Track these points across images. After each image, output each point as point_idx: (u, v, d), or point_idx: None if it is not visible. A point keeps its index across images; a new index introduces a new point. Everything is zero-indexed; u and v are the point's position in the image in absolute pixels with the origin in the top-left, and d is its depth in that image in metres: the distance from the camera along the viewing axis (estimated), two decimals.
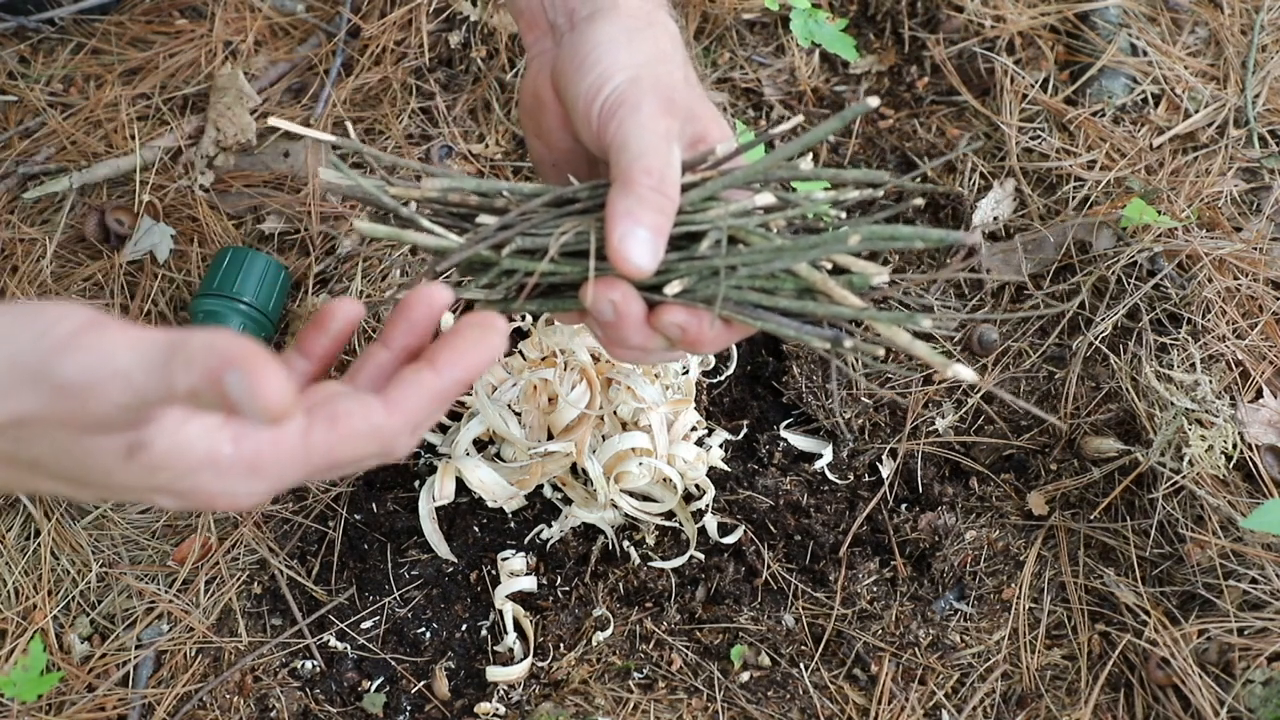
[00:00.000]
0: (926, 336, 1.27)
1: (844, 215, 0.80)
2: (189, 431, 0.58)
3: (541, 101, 0.86)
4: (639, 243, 0.73)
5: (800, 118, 0.86)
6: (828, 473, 1.24)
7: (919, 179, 1.41)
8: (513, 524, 1.23)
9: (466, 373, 0.64)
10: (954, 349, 1.30)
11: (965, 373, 0.71)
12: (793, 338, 0.77)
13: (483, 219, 0.78)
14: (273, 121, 0.80)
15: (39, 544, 1.18)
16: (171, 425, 0.58)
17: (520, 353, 1.24)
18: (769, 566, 1.18)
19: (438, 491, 1.16)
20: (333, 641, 1.17)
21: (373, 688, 1.15)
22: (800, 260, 0.75)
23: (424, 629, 1.18)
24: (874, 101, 0.77)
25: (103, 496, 0.66)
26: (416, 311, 0.68)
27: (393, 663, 1.16)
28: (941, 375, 0.77)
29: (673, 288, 0.75)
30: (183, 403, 0.55)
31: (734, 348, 1.30)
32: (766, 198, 0.77)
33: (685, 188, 0.77)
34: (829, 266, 0.77)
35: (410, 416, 0.63)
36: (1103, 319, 1.26)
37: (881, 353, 0.76)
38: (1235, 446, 1.16)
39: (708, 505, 1.20)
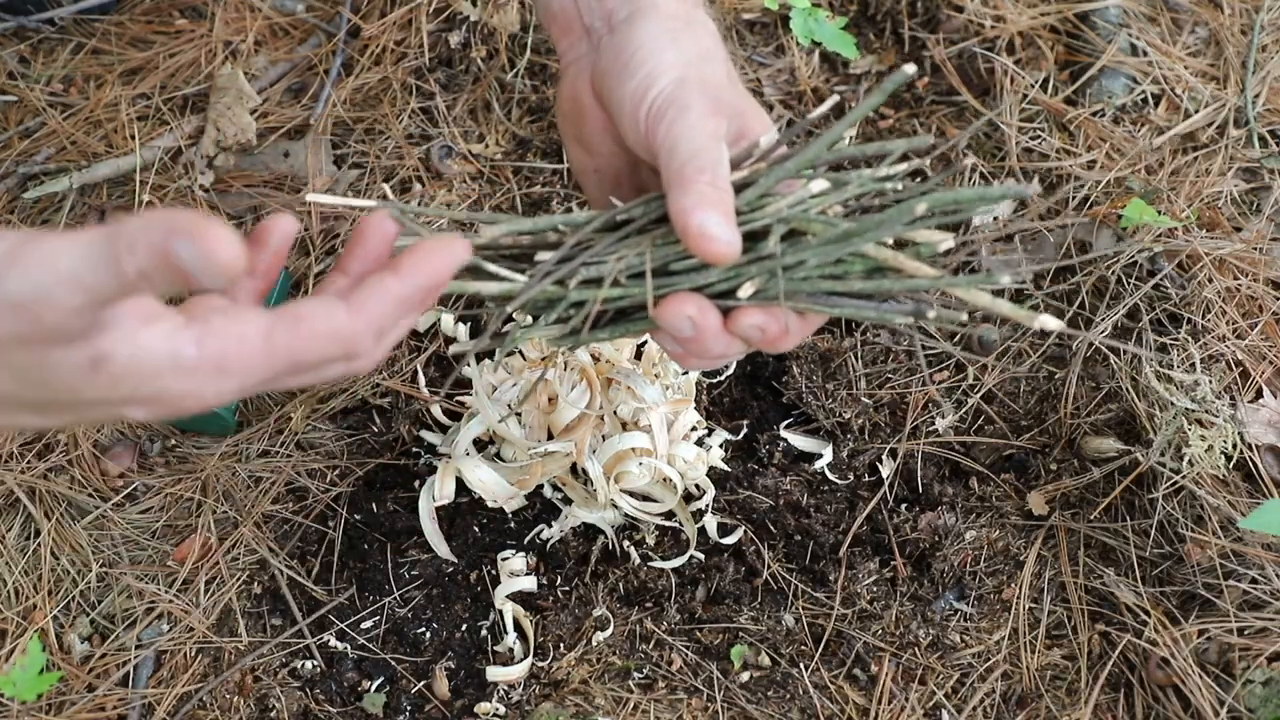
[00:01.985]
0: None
1: (900, 187, 0.79)
2: (150, 336, 0.58)
3: (581, 107, 0.85)
4: (717, 225, 0.72)
5: (837, 97, 0.85)
6: (828, 473, 1.24)
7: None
8: (513, 524, 1.23)
9: (429, 279, 0.64)
10: (954, 349, 1.30)
11: (1052, 323, 0.72)
12: (874, 319, 0.77)
13: (541, 256, 0.77)
14: (311, 198, 0.79)
15: (39, 544, 1.18)
16: (130, 331, 0.58)
17: (520, 353, 1.24)
18: (769, 566, 1.18)
19: (438, 491, 1.16)
20: (333, 641, 1.17)
21: (373, 688, 1.15)
22: (872, 238, 0.74)
23: (424, 629, 1.18)
24: (911, 69, 0.77)
25: (73, 419, 0.65)
26: (371, 240, 0.69)
27: (393, 663, 1.16)
28: (1030, 328, 0.78)
29: (746, 290, 0.75)
30: (137, 290, 0.55)
31: None
32: (820, 184, 0.76)
33: (739, 188, 0.76)
34: (890, 244, 0.77)
35: (373, 320, 0.63)
36: (1103, 319, 1.26)
37: (965, 318, 0.76)
38: (1235, 446, 1.16)
39: (708, 505, 1.20)
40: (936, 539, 1.19)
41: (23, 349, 0.57)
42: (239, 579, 1.18)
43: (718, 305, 0.76)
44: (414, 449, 1.26)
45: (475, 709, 1.12)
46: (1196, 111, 1.43)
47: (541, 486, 1.22)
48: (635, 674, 1.14)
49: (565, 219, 0.78)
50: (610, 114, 0.82)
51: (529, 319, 0.78)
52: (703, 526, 1.19)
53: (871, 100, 0.77)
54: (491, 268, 0.76)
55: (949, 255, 0.81)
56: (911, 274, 0.75)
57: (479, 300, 0.77)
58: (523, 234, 0.78)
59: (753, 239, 0.75)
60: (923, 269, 0.75)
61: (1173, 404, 1.17)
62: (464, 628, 1.19)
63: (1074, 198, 1.36)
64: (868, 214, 0.78)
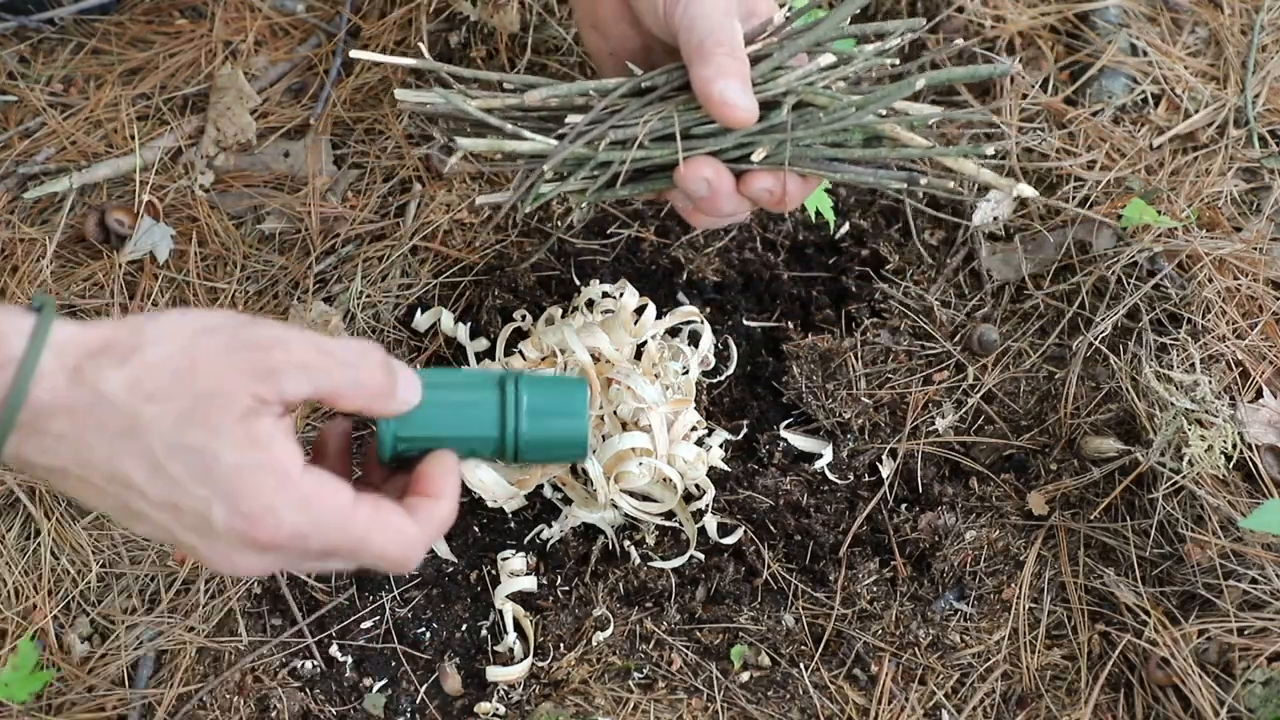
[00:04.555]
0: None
1: (897, 63, 0.89)
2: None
3: None
4: (736, 92, 0.80)
5: None
6: (828, 473, 1.24)
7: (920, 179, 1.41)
8: (513, 524, 1.23)
9: (456, 500, 0.77)
10: (954, 349, 1.30)
11: (1027, 190, 0.83)
12: (871, 183, 0.86)
13: (571, 119, 0.85)
14: (354, 54, 0.90)
15: (39, 544, 1.18)
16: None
17: (520, 353, 1.24)
18: (769, 566, 1.18)
19: None
20: (333, 644, 1.17)
21: (374, 688, 1.15)
22: (875, 109, 0.84)
23: (424, 629, 1.18)
24: None
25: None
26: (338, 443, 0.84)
27: (393, 663, 1.16)
28: (1011, 194, 0.90)
29: (758, 154, 0.84)
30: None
31: (734, 348, 1.30)
32: (828, 58, 0.85)
33: (753, 61, 0.84)
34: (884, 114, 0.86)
35: (431, 538, 0.76)
36: (1103, 319, 1.26)
37: (953, 184, 0.86)
38: (1235, 446, 1.16)
39: (708, 505, 1.20)
40: (936, 539, 1.19)
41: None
42: (239, 579, 1.18)
43: (731, 169, 0.85)
44: None
45: (475, 709, 1.12)
46: (1196, 111, 1.43)
47: (541, 486, 1.22)
48: (635, 674, 1.14)
49: (596, 84, 0.86)
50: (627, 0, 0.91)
51: (551, 176, 0.86)
52: (703, 526, 1.19)
53: None
54: (527, 133, 0.84)
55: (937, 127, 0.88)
56: (905, 143, 0.85)
57: (512, 158, 0.86)
58: (562, 97, 0.86)
59: (765, 108, 0.84)
60: (915, 139, 0.84)
61: (1173, 404, 1.17)
62: (464, 628, 1.19)
63: (1074, 198, 1.36)
64: (865, 86, 0.87)
